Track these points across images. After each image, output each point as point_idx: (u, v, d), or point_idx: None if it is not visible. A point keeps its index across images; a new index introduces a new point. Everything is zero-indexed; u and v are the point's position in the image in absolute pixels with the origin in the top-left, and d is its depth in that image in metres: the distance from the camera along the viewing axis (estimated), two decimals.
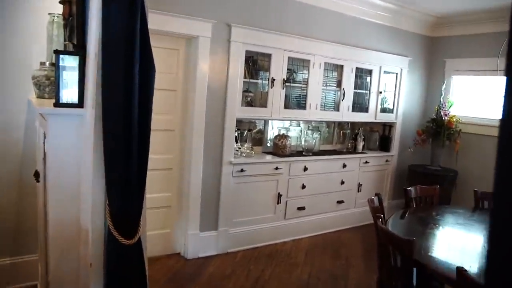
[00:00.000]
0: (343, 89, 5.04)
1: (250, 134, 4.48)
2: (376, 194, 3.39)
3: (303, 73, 4.72)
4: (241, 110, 4.17)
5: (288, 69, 4.50)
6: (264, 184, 4.43)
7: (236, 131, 4.40)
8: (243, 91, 4.25)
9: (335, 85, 5.05)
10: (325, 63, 4.80)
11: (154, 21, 3.02)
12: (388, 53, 5.44)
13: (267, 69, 4.36)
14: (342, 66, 5.00)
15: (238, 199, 4.26)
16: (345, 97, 5.06)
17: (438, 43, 6.15)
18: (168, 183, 3.99)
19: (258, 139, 4.87)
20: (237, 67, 4.03)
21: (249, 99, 4.40)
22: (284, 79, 4.42)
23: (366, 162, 5.46)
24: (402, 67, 5.70)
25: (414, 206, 3.78)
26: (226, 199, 4.17)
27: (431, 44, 6.20)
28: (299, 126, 5.10)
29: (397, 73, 5.69)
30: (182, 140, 3.97)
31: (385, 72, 5.50)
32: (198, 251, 4.08)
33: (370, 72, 5.34)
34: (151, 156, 2.08)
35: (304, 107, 4.76)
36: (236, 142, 4.35)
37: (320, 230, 5.10)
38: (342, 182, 5.24)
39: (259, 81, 4.40)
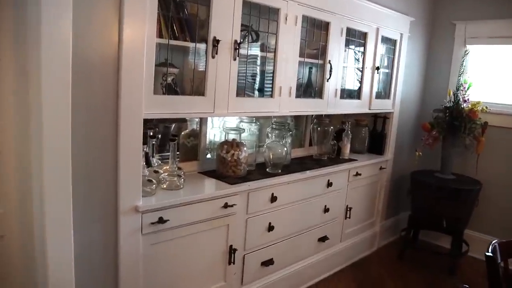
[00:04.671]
0: (329, 62, 3.09)
1: (175, 144, 2.40)
2: None
3: (268, 33, 2.71)
4: (154, 102, 2.09)
5: (243, 25, 2.47)
6: (205, 238, 2.41)
7: (149, 138, 2.32)
8: (158, 66, 2.17)
9: (317, 55, 3.09)
10: (303, 16, 2.81)
11: None
12: (387, 8, 3.56)
13: (204, 24, 2.30)
14: (327, 24, 3.04)
15: (156, 274, 2.21)
16: (331, 76, 3.13)
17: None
18: None
19: (190, 148, 2.82)
20: (143, 20, 1.94)
21: (170, 80, 2.32)
22: (236, 41, 2.39)
23: (357, 174, 3.59)
24: (402, 31, 3.85)
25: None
26: (132, 280, 2.10)
27: (435, 0, 4.41)
28: (257, 123, 3.11)
29: (396, 40, 3.84)
30: (23, 173, 1.81)
31: (382, 38, 3.62)
32: None
33: (364, 36, 3.43)
34: None
35: (270, 94, 2.76)
36: (148, 164, 2.27)
37: (297, 287, 3.21)
38: (326, 210, 3.34)
39: (190, 45, 2.32)
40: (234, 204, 2.48)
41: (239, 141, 2.71)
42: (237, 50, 2.40)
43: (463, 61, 4.17)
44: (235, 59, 2.42)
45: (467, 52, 4.17)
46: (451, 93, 3.95)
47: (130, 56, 1.91)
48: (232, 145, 2.67)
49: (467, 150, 3.95)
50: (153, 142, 2.39)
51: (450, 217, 3.77)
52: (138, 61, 1.94)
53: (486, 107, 3.83)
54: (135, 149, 2.01)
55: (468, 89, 3.90)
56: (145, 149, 2.23)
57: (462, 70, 4.11)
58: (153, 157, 2.41)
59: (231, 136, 2.73)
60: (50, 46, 1.65)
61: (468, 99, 3.86)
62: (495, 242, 2.14)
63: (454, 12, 4.29)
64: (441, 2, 4.37)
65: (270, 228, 2.83)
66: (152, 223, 2.10)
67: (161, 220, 2.12)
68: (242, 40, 2.50)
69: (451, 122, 3.83)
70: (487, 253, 2.09)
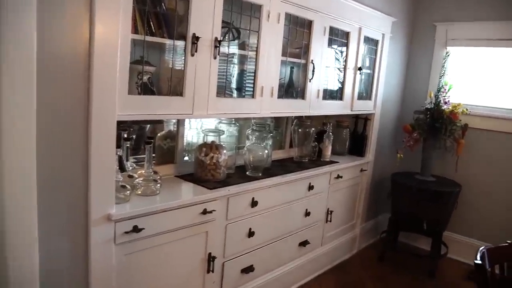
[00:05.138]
0: (312, 61, 3.00)
1: (151, 147, 2.26)
2: None
3: (250, 31, 2.59)
4: (129, 102, 1.95)
5: (224, 22, 2.35)
6: (183, 246, 2.28)
7: (123, 140, 2.18)
8: (133, 63, 2.03)
9: (300, 55, 2.99)
10: (286, 14, 2.71)
11: None
12: (370, 8, 3.49)
13: (183, 19, 2.17)
14: (311, 23, 2.94)
15: (130, 285, 2.07)
16: (314, 76, 3.04)
17: (424, 0, 4.34)
18: None
19: (167, 151, 2.68)
20: (116, 15, 1.79)
21: (146, 79, 2.17)
22: (216, 38, 2.27)
23: (338, 176, 3.52)
24: (384, 31, 3.79)
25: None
26: None
27: (417, 2, 4.38)
28: (236, 124, 2.99)
29: (378, 40, 3.78)
30: None
31: (365, 38, 3.55)
32: None
33: (347, 36, 3.36)
34: None
35: (251, 94, 2.65)
36: (121, 168, 2.13)
37: None
38: (307, 214, 3.25)
39: (168, 42, 2.18)
40: (213, 210, 2.36)
41: (218, 143, 2.59)
42: (218, 48, 2.27)
43: (443, 63, 4.15)
44: (215, 58, 2.30)
45: (447, 54, 4.15)
46: (432, 94, 3.93)
47: (102, 54, 1.76)
48: (211, 147, 2.54)
49: (447, 152, 3.94)
50: (127, 145, 2.25)
51: (430, 219, 3.74)
52: (111, 59, 1.80)
53: (467, 109, 3.82)
54: (108, 153, 1.87)
55: (448, 91, 3.88)
56: (118, 153, 2.08)
57: (443, 71, 4.08)
58: (127, 160, 2.27)
59: (210, 138, 2.60)
60: (11, 44, 1.49)
61: (448, 101, 3.84)
62: (483, 249, 2.10)
63: (435, 14, 4.26)
64: (422, 4, 4.34)
65: (251, 234, 2.72)
66: (126, 232, 1.96)
67: (135, 229, 1.98)
68: (223, 38, 2.38)
69: (432, 124, 3.80)
70: (476, 261, 2.04)
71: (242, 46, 2.66)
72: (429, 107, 3.88)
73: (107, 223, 1.89)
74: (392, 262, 3.99)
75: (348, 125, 3.93)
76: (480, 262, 1.98)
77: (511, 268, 2.20)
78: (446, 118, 3.76)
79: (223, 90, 2.49)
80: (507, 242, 2.25)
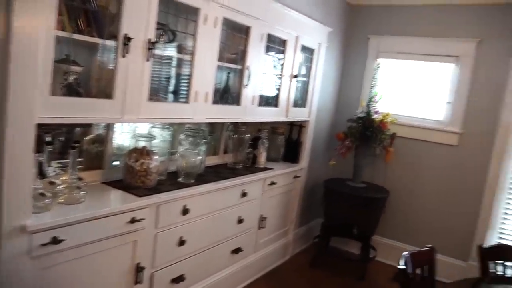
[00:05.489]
0: (248, 68, 2.98)
1: (76, 153, 2.12)
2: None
3: (186, 34, 2.52)
4: (51, 104, 1.81)
5: (159, 23, 2.26)
6: (108, 257, 2.16)
7: (45, 144, 2.03)
8: (58, 62, 1.90)
9: (236, 60, 2.96)
10: (224, 19, 2.67)
11: None
12: (307, 17, 3.55)
13: (115, 19, 2.06)
14: (248, 29, 2.93)
15: None
16: (250, 82, 3.02)
17: (361, 13, 4.49)
18: None
19: (95, 156, 2.53)
20: (39, 9, 1.66)
21: (72, 79, 2.03)
22: (150, 40, 2.17)
23: (272, 183, 3.53)
24: (320, 41, 3.87)
25: None
26: None
27: (353, 14, 4.52)
28: (170, 129, 2.90)
29: (314, 49, 3.85)
30: None
31: (302, 46, 3.60)
32: None
33: (284, 43, 3.38)
34: None
35: (185, 99, 2.58)
36: (41, 174, 1.97)
37: None
38: (240, 220, 3.23)
39: (98, 42, 2.06)
40: (142, 219, 2.26)
41: (149, 148, 2.49)
42: (151, 50, 2.18)
43: (374, 74, 4.31)
44: (148, 60, 2.20)
45: (378, 66, 4.32)
46: (364, 104, 4.07)
47: (21, 50, 1.62)
48: (141, 153, 2.44)
49: (378, 160, 4.09)
50: (50, 149, 2.09)
51: (360, 224, 3.87)
52: (30, 56, 1.66)
53: (395, 119, 3.99)
54: (24, 158, 1.72)
55: (378, 101, 4.03)
56: (39, 157, 1.93)
57: (374, 82, 4.24)
58: (49, 166, 2.11)
59: (141, 143, 2.50)
60: None
61: (378, 111, 3.99)
62: (407, 254, 2.21)
63: (369, 27, 4.43)
64: (358, 15, 4.49)
65: (182, 242, 2.64)
66: (43, 245, 1.81)
67: (55, 241, 1.84)
68: (157, 40, 2.29)
69: (364, 132, 3.94)
70: (399, 266, 2.15)
71: (178, 49, 2.58)
72: (361, 116, 4.01)
73: (21, 235, 1.74)
74: (324, 266, 4.08)
75: (283, 132, 3.96)
76: (403, 266, 2.11)
77: (431, 270, 2.34)
78: (377, 127, 3.91)
79: (156, 94, 2.40)
80: (427, 247, 2.40)
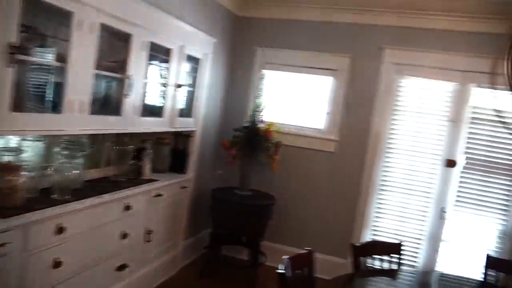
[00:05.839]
0: (130, 77, 2.87)
1: None
2: None
3: (58, 39, 2.34)
4: None
5: (25, 26, 2.06)
6: None
7: None
8: None
9: (116, 69, 2.83)
10: (102, 25, 2.53)
11: None
12: (192, 27, 3.54)
13: None
14: (130, 37, 2.82)
15: None
16: (131, 91, 2.91)
17: (247, 25, 4.61)
18: None
19: None
20: None
21: None
22: (12, 44, 1.97)
23: (158, 195, 3.44)
24: (206, 51, 3.89)
25: None
26: None
27: (239, 25, 4.62)
28: (44, 141, 2.67)
29: (199, 59, 3.85)
30: None
31: (187, 56, 3.58)
32: None
33: (168, 53, 3.32)
34: None
35: (58, 109, 2.39)
36: None
37: None
38: (124, 236, 3.07)
39: None
40: (6, 243, 2.03)
41: (16, 163, 2.26)
42: (13, 55, 1.98)
43: (260, 84, 4.45)
44: (13, 66, 2.00)
45: (263, 76, 4.47)
46: (250, 113, 4.17)
47: None
48: (6, 168, 2.20)
49: (264, 168, 4.21)
50: None
51: (248, 231, 3.94)
52: None
53: (280, 128, 4.16)
54: None
55: (263, 110, 4.16)
56: None
57: (259, 92, 4.38)
58: None
59: (7, 157, 2.25)
60: None
61: (263, 120, 4.12)
62: (287, 258, 2.31)
63: (256, 39, 4.56)
64: (245, 27, 4.60)
65: (57, 264, 2.42)
66: None
67: None
68: (22, 44, 2.09)
69: (249, 141, 4.02)
70: (278, 270, 2.23)
71: (49, 56, 2.38)
72: (246, 125, 4.10)
73: None
74: (215, 276, 4.07)
75: (169, 142, 3.89)
76: (282, 270, 2.20)
77: (311, 270, 2.52)
78: (262, 136, 4.03)
79: (22, 104, 2.18)
80: (306, 249, 2.55)
